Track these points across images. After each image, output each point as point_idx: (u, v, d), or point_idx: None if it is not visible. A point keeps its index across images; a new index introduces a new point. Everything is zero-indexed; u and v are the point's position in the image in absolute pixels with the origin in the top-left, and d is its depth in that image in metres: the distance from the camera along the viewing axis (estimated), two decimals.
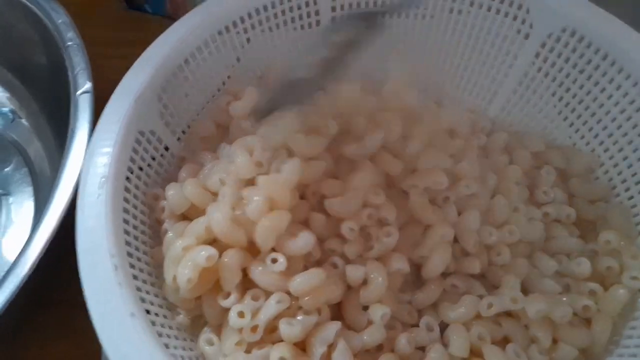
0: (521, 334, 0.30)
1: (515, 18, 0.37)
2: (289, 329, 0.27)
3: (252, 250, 0.29)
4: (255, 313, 0.28)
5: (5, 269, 0.36)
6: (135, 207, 0.30)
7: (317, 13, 0.38)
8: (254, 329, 0.28)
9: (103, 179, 0.28)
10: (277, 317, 0.28)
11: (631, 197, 0.34)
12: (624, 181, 0.35)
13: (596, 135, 0.36)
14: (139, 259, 0.29)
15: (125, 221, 0.29)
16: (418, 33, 0.40)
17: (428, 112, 0.35)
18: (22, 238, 0.39)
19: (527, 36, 0.37)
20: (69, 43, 0.34)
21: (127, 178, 0.30)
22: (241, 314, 0.28)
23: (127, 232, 0.29)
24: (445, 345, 0.30)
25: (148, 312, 0.27)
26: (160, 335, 0.26)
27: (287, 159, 0.31)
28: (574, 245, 0.33)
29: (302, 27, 0.39)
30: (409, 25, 0.40)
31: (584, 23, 0.35)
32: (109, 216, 0.27)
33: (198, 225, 0.29)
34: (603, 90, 0.35)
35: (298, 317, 0.28)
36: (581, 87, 0.36)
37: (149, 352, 0.24)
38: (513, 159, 0.37)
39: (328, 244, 0.31)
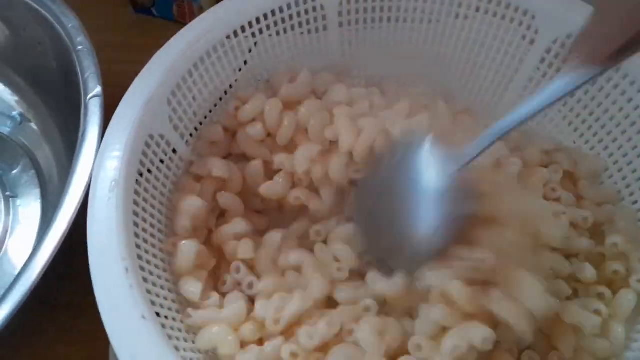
0: (542, 342, 0.30)
1: (520, 24, 0.37)
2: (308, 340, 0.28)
3: None
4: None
5: (11, 269, 0.38)
6: (144, 210, 0.31)
7: (324, 18, 0.39)
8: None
9: (113, 183, 0.28)
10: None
11: (635, 202, 0.35)
12: (628, 186, 0.35)
13: (601, 140, 0.37)
14: (148, 262, 0.29)
15: (136, 224, 0.29)
16: (423, 38, 0.40)
17: None
18: (29, 240, 0.39)
19: (532, 42, 0.37)
20: (79, 47, 0.34)
21: (137, 181, 0.30)
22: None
23: (137, 235, 0.29)
24: None
25: (158, 314, 0.27)
26: (170, 338, 0.26)
27: None
28: (585, 246, 0.33)
29: (309, 31, 0.39)
30: (414, 30, 0.40)
31: None
32: (120, 219, 0.28)
33: None
34: (608, 95, 0.35)
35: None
36: (586, 92, 0.36)
37: (160, 355, 0.25)
38: (523, 157, 0.37)
39: None
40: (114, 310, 0.25)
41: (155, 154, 0.32)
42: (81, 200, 0.30)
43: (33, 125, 0.43)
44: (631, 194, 0.35)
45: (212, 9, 0.36)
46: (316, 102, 0.36)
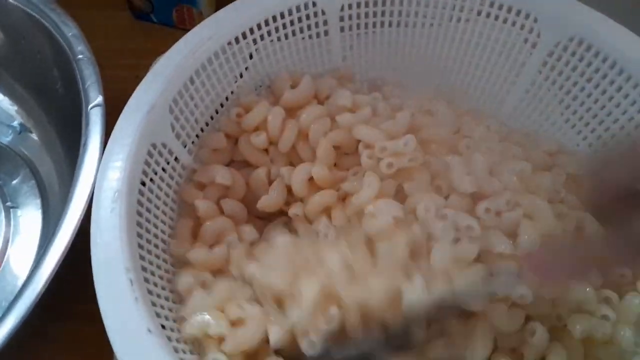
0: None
1: (522, 27, 0.37)
2: None
3: None
4: None
5: (13, 280, 0.37)
6: (147, 220, 0.30)
7: (325, 23, 0.39)
8: None
9: (116, 193, 0.28)
10: None
11: None
12: None
13: (604, 144, 0.37)
14: (152, 273, 0.29)
15: (139, 235, 0.29)
16: (425, 42, 0.40)
17: None
18: (30, 250, 0.39)
19: (534, 45, 0.37)
20: (80, 56, 0.34)
21: (140, 191, 0.30)
22: None
23: (140, 246, 0.29)
24: None
25: (163, 326, 0.27)
26: (176, 351, 0.26)
27: None
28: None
29: (310, 37, 0.39)
30: (415, 34, 0.40)
31: (592, 32, 0.35)
32: (124, 230, 0.27)
33: None
34: (611, 98, 0.35)
35: None
36: (589, 95, 0.36)
37: None
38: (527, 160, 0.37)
39: None
40: (119, 324, 0.25)
41: (157, 162, 0.32)
42: (84, 210, 0.29)
43: (33, 135, 0.42)
44: None
45: (213, 15, 0.35)
46: (318, 108, 0.36)
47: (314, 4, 0.37)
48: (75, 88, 0.33)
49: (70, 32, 0.35)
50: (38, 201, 0.40)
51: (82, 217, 0.29)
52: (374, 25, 0.40)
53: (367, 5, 0.39)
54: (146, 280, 0.28)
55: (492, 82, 0.40)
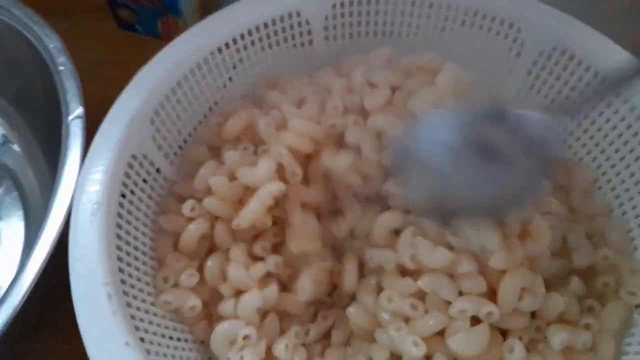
0: None
1: (506, 37, 0.37)
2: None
3: None
4: None
5: None
6: (128, 232, 0.30)
7: (309, 32, 0.39)
8: None
9: (95, 206, 0.28)
10: None
11: (624, 213, 0.35)
12: (617, 197, 0.35)
13: (589, 152, 0.37)
14: (132, 286, 0.29)
15: (119, 247, 0.29)
16: (409, 52, 0.40)
17: None
18: (13, 262, 0.38)
19: (519, 54, 0.37)
20: (61, 68, 0.34)
21: (120, 204, 0.30)
22: None
23: (120, 259, 0.28)
24: None
25: (142, 339, 0.26)
26: None
27: None
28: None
29: (294, 46, 0.39)
30: (400, 44, 0.40)
31: (574, 41, 0.35)
32: (102, 243, 0.27)
33: None
34: (594, 107, 0.35)
35: None
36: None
37: None
38: None
39: None
40: (96, 338, 0.25)
41: (138, 174, 0.32)
42: (63, 223, 0.29)
43: (15, 146, 0.42)
44: (620, 205, 0.35)
45: (196, 25, 0.35)
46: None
47: (298, 14, 0.37)
48: (56, 99, 0.33)
49: (52, 44, 0.35)
50: (20, 213, 0.40)
51: (61, 230, 0.29)
52: (359, 34, 0.40)
53: (351, 15, 0.39)
54: (125, 293, 0.27)
55: (477, 91, 0.40)
